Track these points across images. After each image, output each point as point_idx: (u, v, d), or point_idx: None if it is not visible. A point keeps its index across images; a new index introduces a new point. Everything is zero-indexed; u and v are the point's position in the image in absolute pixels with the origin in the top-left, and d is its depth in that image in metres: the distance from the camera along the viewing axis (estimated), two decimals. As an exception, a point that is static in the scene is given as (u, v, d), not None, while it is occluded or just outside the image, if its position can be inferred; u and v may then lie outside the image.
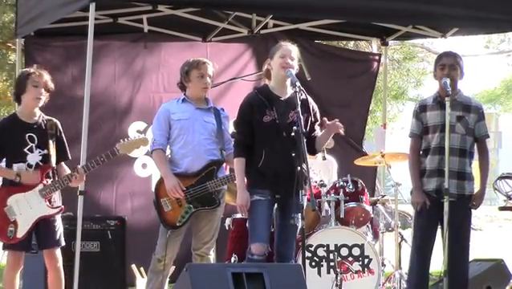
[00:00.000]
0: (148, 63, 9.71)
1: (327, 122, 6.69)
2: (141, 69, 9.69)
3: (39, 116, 6.81)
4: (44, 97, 6.76)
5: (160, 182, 7.11)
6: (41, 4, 8.20)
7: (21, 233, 6.65)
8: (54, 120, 6.90)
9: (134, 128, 9.45)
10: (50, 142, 6.79)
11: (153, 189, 7.24)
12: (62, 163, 6.89)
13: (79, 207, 7.07)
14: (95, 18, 7.30)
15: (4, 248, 6.78)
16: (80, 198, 7.06)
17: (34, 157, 6.70)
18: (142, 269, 8.26)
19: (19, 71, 6.93)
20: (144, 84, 9.68)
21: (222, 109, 7.34)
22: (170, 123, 7.16)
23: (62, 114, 9.12)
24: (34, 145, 6.71)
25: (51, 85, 6.80)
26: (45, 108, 9.02)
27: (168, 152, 7.23)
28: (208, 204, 7.08)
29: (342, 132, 6.72)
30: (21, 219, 6.65)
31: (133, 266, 8.32)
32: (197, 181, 7.05)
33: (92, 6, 7.09)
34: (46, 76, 6.78)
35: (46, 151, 6.74)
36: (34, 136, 6.72)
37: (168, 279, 7.43)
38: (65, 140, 6.91)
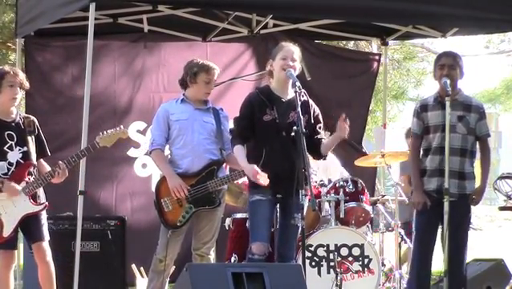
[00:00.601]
0: (148, 63, 9.71)
1: (342, 121, 6.65)
2: (141, 69, 9.68)
3: (16, 114, 6.80)
4: (20, 96, 6.77)
5: (161, 182, 7.10)
6: (41, 4, 8.20)
7: (7, 232, 6.67)
8: (32, 117, 6.90)
9: (134, 128, 9.44)
10: (30, 139, 6.78)
11: (153, 190, 7.24)
12: (42, 160, 6.89)
13: (79, 207, 7.07)
14: (95, 18, 7.30)
15: None
16: (80, 198, 7.06)
17: (14, 155, 6.70)
18: (142, 269, 8.26)
19: None
20: (143, 84, 9.68)
21: (221, 109, 7.34)
22: (169, 123, 7.16)
23: (62, 114, 9.22)
24: (13, 143, 6.70)
25: (27, 83, 6.80)
26: (45, 108, 9.12)
27: (167, 152, 7.23)
28: (208, 204, 7.08)
29: (346, 136, 6.72)
30: (6, 218, 6.66)
31: (133, 266, 8.32)
32: (197, 181, 7.05)
33: (92, 6, 7.09)
34: (22, 75, 6.78)
35: (26, 148, 6.74)
36: (13, 133, 6.72)
37: (168, 279, 7.44)
38: (43, 137, 6.90)
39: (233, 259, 7.76)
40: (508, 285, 8.11)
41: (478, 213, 22.94)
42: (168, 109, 7.21)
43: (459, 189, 6.87)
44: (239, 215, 7.97)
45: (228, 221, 8.08)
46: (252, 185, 6.66)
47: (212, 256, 7.30)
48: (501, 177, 8.42)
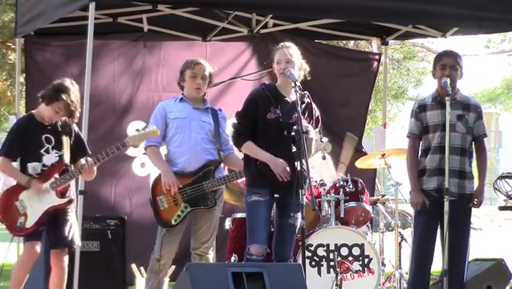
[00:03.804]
0: (148, 63, 9.72)
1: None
2: (141, 68, 9.69)
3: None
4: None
5: (157, 180, 7.11)
6: (41, 3, 8.20)
7: (30, 223, 6.72)
8: (68, 119, 6.91)
9: (133, 127, 9.42)
10: (66, 142, 6.82)
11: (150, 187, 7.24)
12: (82, 159, 6.91)
13: (78, 207, 7.07)
14: (95, 18, 7.30)
15: (12, 239, 6.87)
16: (80, 198, 7.06)
17: (50, 158, 6.76)
18: (142, 268, 8.25)
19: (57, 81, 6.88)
20: (143, 83, 9.68)
21: (220, 110, 7.35)
22: (167, 121, 7.17)
23: (62, 113, 9.20)
24: (50, 146, 6.76)
25: (76, 114, 6.78)
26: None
27: (165, 151, 7.23)
28: (204, 204, 7.08)
29: None
30: (30, 211, 6.73)
31: (133, 266, 8.33)
32: (193, 181, 7.05)
33: (92, 6, 7.09)
34: (78, 104, 6.75)
35: (62, 152, 6.80)
36: (50, 137, 6.76)
37: (167, 279, 7.43)
38: (82, 137, 6.95)
39: (233, 259, 7.75)
40: (508, 285, 8.10)
41: (478, 213, 22.95)
42: (166, 107, 7.23)
43: (459, 188, 6.86)
44: (239, 215, 7.97)
45: (228, 221, 8.08)
46: (250, 184, 6.65)
47: (211, 255, 7.30)
48: (501, 177, 8.41)
